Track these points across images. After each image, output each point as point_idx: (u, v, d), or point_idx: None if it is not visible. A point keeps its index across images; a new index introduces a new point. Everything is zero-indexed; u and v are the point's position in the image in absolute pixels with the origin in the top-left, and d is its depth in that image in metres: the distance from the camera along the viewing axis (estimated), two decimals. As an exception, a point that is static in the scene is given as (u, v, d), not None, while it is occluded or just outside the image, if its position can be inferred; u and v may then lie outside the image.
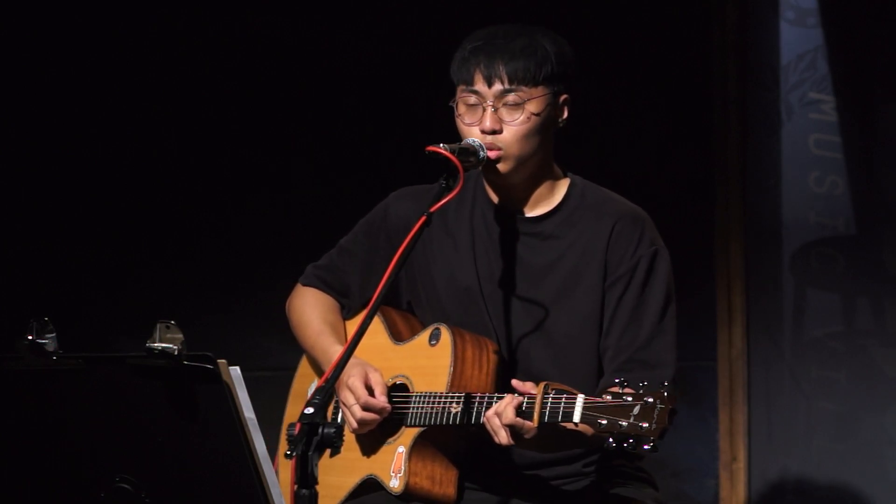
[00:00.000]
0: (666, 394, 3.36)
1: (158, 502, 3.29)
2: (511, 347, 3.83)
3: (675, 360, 3.78)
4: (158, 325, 3.17)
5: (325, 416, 3.20)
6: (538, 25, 3.83)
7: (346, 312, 4.08)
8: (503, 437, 3.55)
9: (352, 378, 3.79)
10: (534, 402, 3.50)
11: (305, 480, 3.11)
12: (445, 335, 3.78)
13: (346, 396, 3.80)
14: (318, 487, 3.64)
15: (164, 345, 3.16)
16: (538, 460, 3.84)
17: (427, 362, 3.81)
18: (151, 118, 6.05)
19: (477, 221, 3.89)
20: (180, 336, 3.17)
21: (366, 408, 3.78)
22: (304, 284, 4.10)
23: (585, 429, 3.52)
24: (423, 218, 3.54)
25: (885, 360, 5.87)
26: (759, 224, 5.98)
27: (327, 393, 3.21)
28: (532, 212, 3.86)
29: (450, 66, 3.83)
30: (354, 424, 3.81)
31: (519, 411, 3.53)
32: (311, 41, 6.05)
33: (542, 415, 3.49)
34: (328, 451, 3.84)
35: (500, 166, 3.76)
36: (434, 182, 3.75)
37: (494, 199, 3.88)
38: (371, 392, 3.80)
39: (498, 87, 3.73)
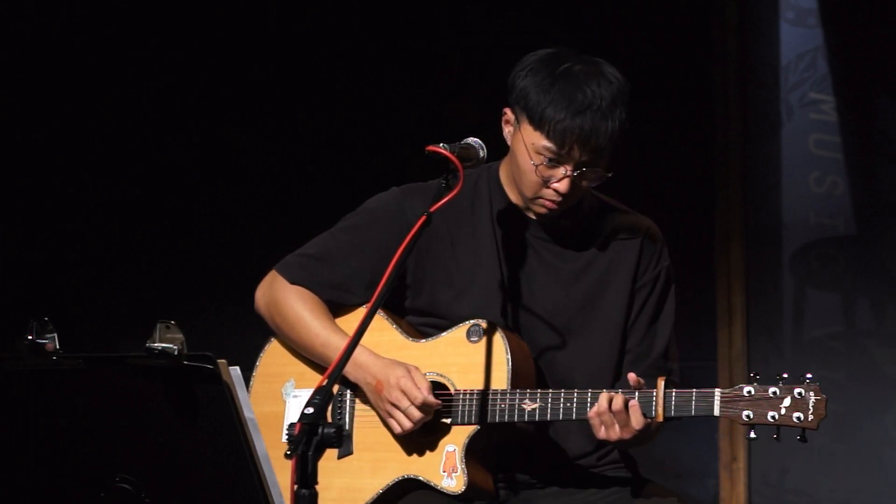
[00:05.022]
0: (818, 385, 3.56)
1: (158, 502, 3.29)
2: (536, 352, 3.86)
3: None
4: (158, 325, 3.17)
5: (326, 416, 3.19)
6: (603, 62, 3.80)
7: (336, 307, 4.03)
8: (613, 434, 3.63)
9: (402, 379, 3.78)
10: (654, 398, 3.60)
11: (305, 480, 3.11)
12: (495, 332, 3.78)
13: (399, 399, 3.78)
14: (339, 491, 3.64)
15: (164, 345, 3.16)
16: (564, 453, 3.89)
17: (469, 359, 3.80)
18: (151, 120, 6.05)
19: (498, 227, 3.91)
20: (180, 336, 3.17)
21: (423, 408, 3.77)
22: (294, 280, 3.99)
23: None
24: (424, 217, 3.55)
25: (885, 360, 5.88)
26: (759, 224, 5.99)
27: (327, 393, 3.20)
28: (554, 221, 3.89)
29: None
30: (408, 425, 3.79)
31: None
32: (309, 41, 6.05)
33: (666, 408, 3.59)
34: (335, 451, 3.84)
35: (551, 213, 3.81)
36: (435, 180, 3.75)
37: (516, 201, 3.90)
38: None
39: (585, 159, 3.74)
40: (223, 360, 3.19)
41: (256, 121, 6.07)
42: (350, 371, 3.88)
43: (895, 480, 5.83)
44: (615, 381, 3.87)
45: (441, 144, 3.67)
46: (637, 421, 3.61)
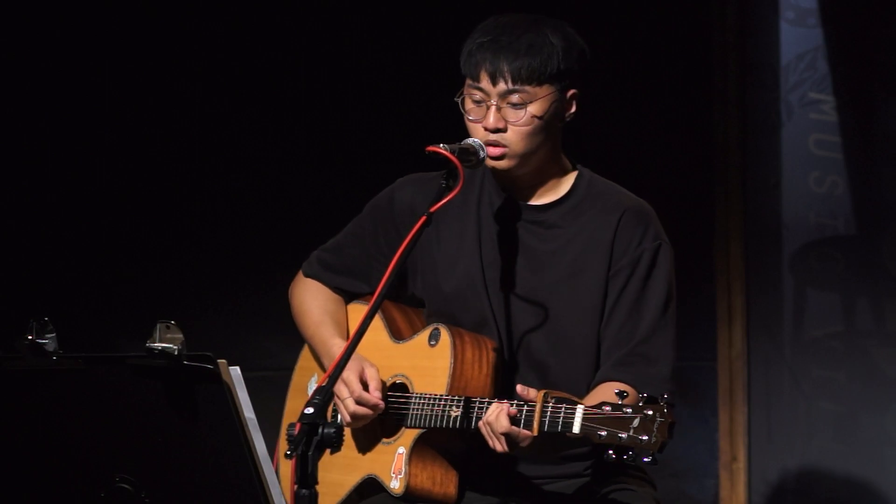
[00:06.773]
0: (665, 408, 3.34)
1: (158, 502, 3.30)
2: (511, 336, 3.84)
3: (675, 356, 3.78)
4: (158, 325, 3.17)
5: (326, 416, 3.20)
6: (549, 17, 3.81)
7: (347, 298, 4.10)
8: (498, 445, 3.55)
9: (347, 371, 3.80)
10: (533, 411, 3.49)
11: (305, 480, 3.11)
12: (445, 336, 3.78)
13: (340, 390, 3.82)
14: (325, 486, 3.65)
15: (164, 345, 3.16)
16: (539, 466, 3.84)
17: (426, 363, 3.81)
18: (151, 120, 6.05)
19: (484, 209, 3.90)
20: (180, 336, 3.17)
21: (359, 402, 3.79)
22: (307, 273, 4.11)
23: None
24: (424, 218, 3.55)
25: (885, 360, 5.87)
26: (759, 224, 5.98)
27: (327, 393, 3.21)
28: (538, 201, 3.87)
29: (457, 59, 3.83)
30: (347, 418, 3.83)
31: (516, 419, 3.52)
32: (308, 41, 6.05)
33: (541, 423, 3.48)
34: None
35: (504, 163, 3.77)
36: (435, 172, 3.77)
37: (501, 188, 3.89)
38: (365, 387, 3.81)
39: (502, 86, 3.73)
40: (223, 360, 3.19)
41: (256, 121, 6.07)
42: (325, 362, 3.97)
43: (895, 480, 5.83)
44: (596, 368, 3.79)
45: (441, 145, 3.68)
46: (502, 427, 3.50)
